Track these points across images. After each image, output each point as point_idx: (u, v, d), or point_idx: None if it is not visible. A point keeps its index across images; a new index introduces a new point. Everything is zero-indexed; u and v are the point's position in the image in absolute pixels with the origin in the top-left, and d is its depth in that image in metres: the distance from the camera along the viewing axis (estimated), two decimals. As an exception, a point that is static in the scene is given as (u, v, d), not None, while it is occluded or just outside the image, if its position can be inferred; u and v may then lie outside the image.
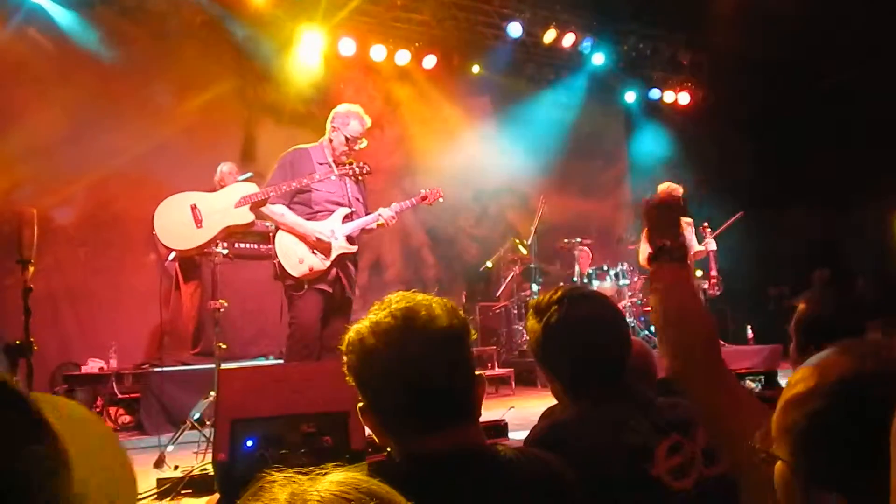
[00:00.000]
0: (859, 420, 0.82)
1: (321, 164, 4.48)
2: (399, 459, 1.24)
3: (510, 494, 1.18)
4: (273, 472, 0.71)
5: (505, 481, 1.20)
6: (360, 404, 1.28)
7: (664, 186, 6.24)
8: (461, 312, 1.32)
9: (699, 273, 6.44)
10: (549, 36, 8.65)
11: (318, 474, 0.71)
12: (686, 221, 6.32)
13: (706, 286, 6.28)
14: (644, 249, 5.98)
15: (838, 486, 0.83)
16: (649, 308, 1.55)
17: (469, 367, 1.28)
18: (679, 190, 6.16)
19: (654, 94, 10.03)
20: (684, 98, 9.90)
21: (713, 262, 6.35)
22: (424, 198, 4.76)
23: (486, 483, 1.19)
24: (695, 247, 6.16)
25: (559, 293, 1.67)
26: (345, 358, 1.28)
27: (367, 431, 3.16)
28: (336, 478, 0.70)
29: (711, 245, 6.30)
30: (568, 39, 8.71)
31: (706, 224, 6.39)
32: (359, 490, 0.68)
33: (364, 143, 4.54)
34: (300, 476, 0.70)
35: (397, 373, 1.21)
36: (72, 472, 0.63)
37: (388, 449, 1.30)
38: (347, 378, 1.29)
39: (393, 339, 1.21)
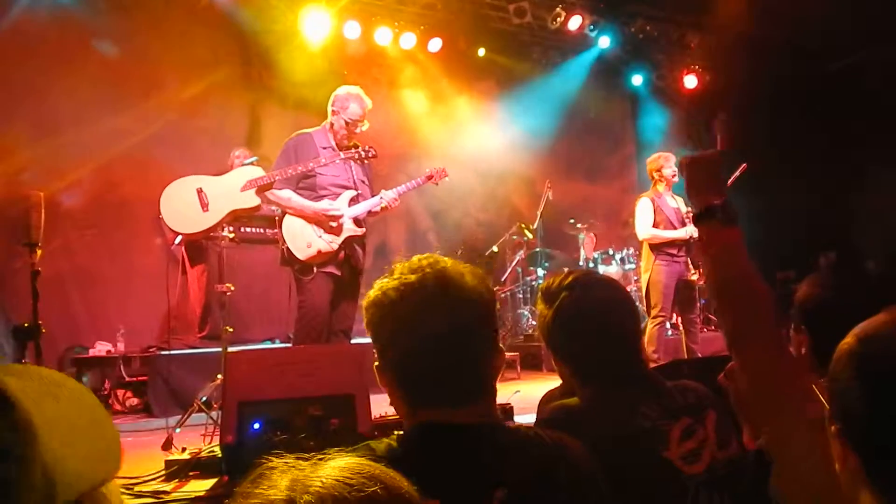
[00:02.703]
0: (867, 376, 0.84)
1: (324, 148, 4.47)
2: (408, 429, 1.23)
3: (519, 469, 1.18)
4: (273, 458, 0.69)
5: (515, 456, 1.20)
6: (377, 363, 1.27)
7: (654, 157, 6.14)
8: (489, 282, 1.31)
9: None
10: (556, 18, 8.57)
11: (319, 459, 0.70)
12: (679, 198, 6.18)
13: (696, 276, 5.93)
14: (642, 225, 5.91)
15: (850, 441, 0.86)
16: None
17: (494, 339, 1.28)
18: (670, 160, 6.03)
19: (661, 77, 9.96)
20: (691, 81, 9.82)
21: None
22: (430, 177, 4.75)
23: (495, 457, 1.18)
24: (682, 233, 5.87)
25: (570, 278, 1.66)
26: (367, 313, 1.26)
27: (374, 414, 3.18)
28: (338, 463, 0.69)
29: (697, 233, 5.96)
30: (574, 22, 8.64)
31: (689, 210, 6.01)
32: (361, 475, 0.67)
33: (366, 126, 4.52)
34: (301, 462, 0.69)
35: (424, 337, 1.19)
36: (38, 447, 0.60)
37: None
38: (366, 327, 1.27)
39: (423, 300, 1.20)
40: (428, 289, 1.21)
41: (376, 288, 1.27)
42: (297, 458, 0.69)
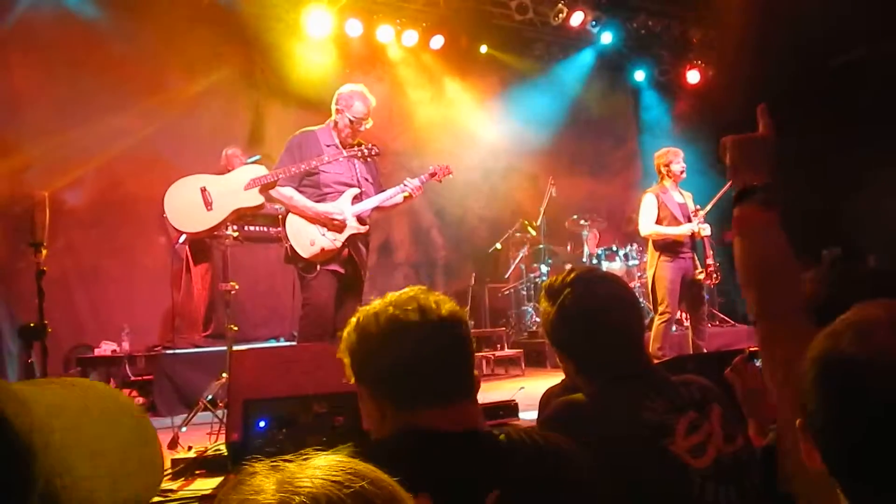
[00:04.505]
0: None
1: (328, 145, 4.47)
2: (389, 435, 1.26)
3: (502, 477, 1.19)
4: (252, 463, 0.68)
5: (498, 463, 1.22)
6: (354, 380, 1.33)
7: (663, 151, 6.12)
8: (464, 313, 1.40)
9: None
10: (558, 15, 8.56)
11: (301, 460, 0.69)
12: (687, 194, 6.15)
13: (702, 276, 5.85)
14: (645, 221, 5.89)
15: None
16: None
17: (472, 355, 1.35)
18: (679, 156, 5.99)
19: (664, 72, 9.95)
20: (694, 76, 9.81)
21: (708, 248, 5.86)
22: (434, 174, 4.74)
23: (488, 462, 1.21)
24: (687, 229, 5.85)
25: (572, 275, 1.66)
26: (348, 339, 1.33)
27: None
28: (320, 462, 0.68)
29: (705, 230, 5.79)
30: (576, 18, 8.63)
31: (698, 207, 5.90)
32: (346, 472, 0.67)
33: (370, 124, 4.52)
34: (282, 463, 0.68)
35: (407, 349, 1.26)
36: (31, 461, 0.57)
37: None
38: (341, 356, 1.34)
39: (403, 325, 1.27)
40: (408, 314, 1.28)
41: (355, 318, 1.34)
42: (276, 460, 0.69)
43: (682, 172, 5.95)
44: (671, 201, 5.89)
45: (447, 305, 1.32)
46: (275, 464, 0.68)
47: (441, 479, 1.11)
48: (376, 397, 1.29)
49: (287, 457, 0.69)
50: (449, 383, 1.27)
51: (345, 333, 1.35)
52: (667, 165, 5.95)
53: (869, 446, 0.79)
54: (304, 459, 0.69)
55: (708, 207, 5.89)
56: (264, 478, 0.66)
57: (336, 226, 4.33)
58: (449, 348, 1.29)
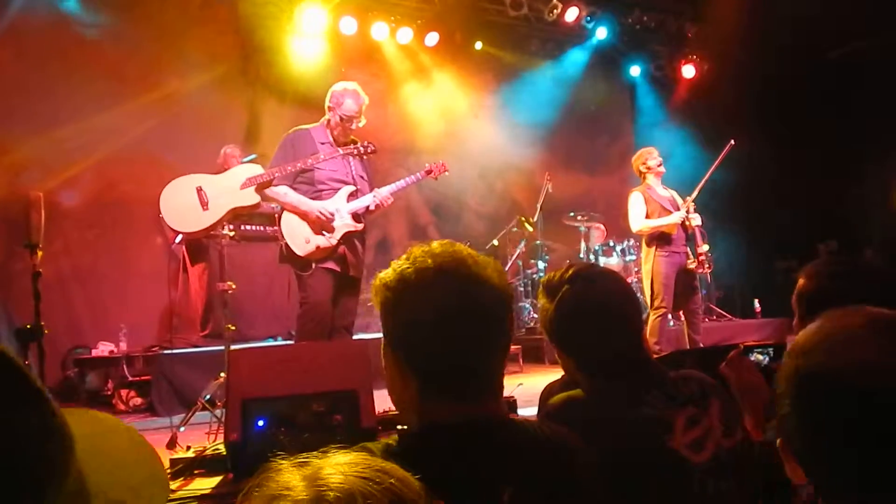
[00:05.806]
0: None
1: (323, 143, 4.47)
2: (418, 426, 1.20)
3: (525, 467, 1.17)
4: (278, 459, 0.68)
5: (520, 454, 1.19)
6: (385, 347, 1.24)
7: (637, 153, 6.15)
8: (505, 275, 1.28)
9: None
10: (552, 10, 8.55)
11: (323, 456, 0.69)
12: (671, 191, 6.16)
13: (694, 265, 5.86)
14: (635, 217, 5.89)
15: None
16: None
17: (510, 330, 1.26)
18: (653, 153, 6.04)
19: (659, 67, 9.95)
20: (689, 71, 9.81)
21: (699, 237, 5.89)
22: (429, 171, 4.74)
23: (501, 455, 1.18)
24: (675, 218, 5.79)
25: (570, 272, 1.66)
26: (381, 294, 1.22)
27: (378, 409, 3.19)
28: (344, 458, 0.68)
29: (696, 220, 5.83)
30: (571, 13, 8.62)
31: (687, 197, 5.91)
32: (372, 468, 0.67)
33: (362, 122, 4.51)
34: (307, 460, 0.68)
35: (440, 319, 1.16)
36: (69, 443, 0.62)
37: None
38: (376, 305, 1.24)
39: (442, 282, 1.17)
40: (447, 271, 1.18)
41: (391, 269, 1.23)
42: (300, 457, 0.68)
43: (659, 166, 6.00)
44: (657, 195, 5.94)
45: (496, 274, 1.22)
46: (298, 461, 0.67)
47: (455, 475, 1.06)
48: (404, 366, 1.21)
49: (310, 454, 0.69)
50: (475, 376, 1.19)
51: (377, 281, 1.24)
52: (644, 163, 6.03)
53: (855, 461, 0.78)
54: (326, 456, 0.69)
55: (694, 194, 5.92)
56: (290, 474, 0.65)
57: (327, 224, 4.32)
58: (483, 328, 1.19)
